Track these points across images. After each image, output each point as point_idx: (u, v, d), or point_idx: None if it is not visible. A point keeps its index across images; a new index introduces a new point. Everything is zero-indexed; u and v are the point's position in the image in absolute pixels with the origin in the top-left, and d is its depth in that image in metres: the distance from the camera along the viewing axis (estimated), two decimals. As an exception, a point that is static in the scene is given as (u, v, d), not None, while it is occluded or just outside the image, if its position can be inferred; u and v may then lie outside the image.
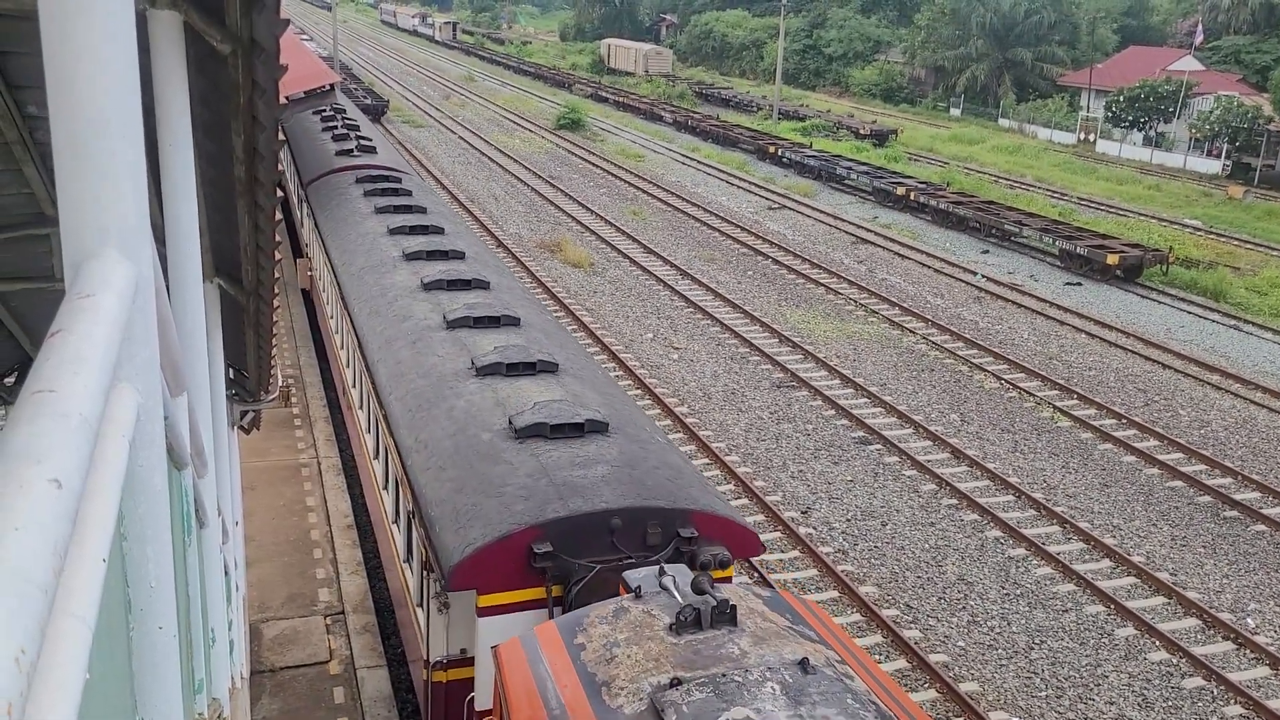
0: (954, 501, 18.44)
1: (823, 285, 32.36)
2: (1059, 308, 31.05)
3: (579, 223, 39.69)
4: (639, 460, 9.65)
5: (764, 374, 24.52)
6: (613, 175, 50.71)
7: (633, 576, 7.60)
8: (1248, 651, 14.47)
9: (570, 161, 54.26)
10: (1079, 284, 34.20)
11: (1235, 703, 13.34)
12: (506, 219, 39.86)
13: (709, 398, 22.92)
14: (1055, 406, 22.98)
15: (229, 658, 6.96)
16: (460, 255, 16.99)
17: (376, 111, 60.00)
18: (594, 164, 53.66)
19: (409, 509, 10.40)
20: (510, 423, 10.08)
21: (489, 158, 53.54)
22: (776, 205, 45.25)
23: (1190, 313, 31.46)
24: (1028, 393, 23.82)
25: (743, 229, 39.81)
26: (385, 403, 12.14)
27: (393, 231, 18.23)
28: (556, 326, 14.88)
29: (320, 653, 13.12)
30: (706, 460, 19.46)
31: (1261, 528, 17.99)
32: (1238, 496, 18.93)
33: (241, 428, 12.76)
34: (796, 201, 45.93)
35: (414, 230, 18.35)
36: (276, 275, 7.09)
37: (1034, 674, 13.86)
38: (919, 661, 13.70)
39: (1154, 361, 26.59)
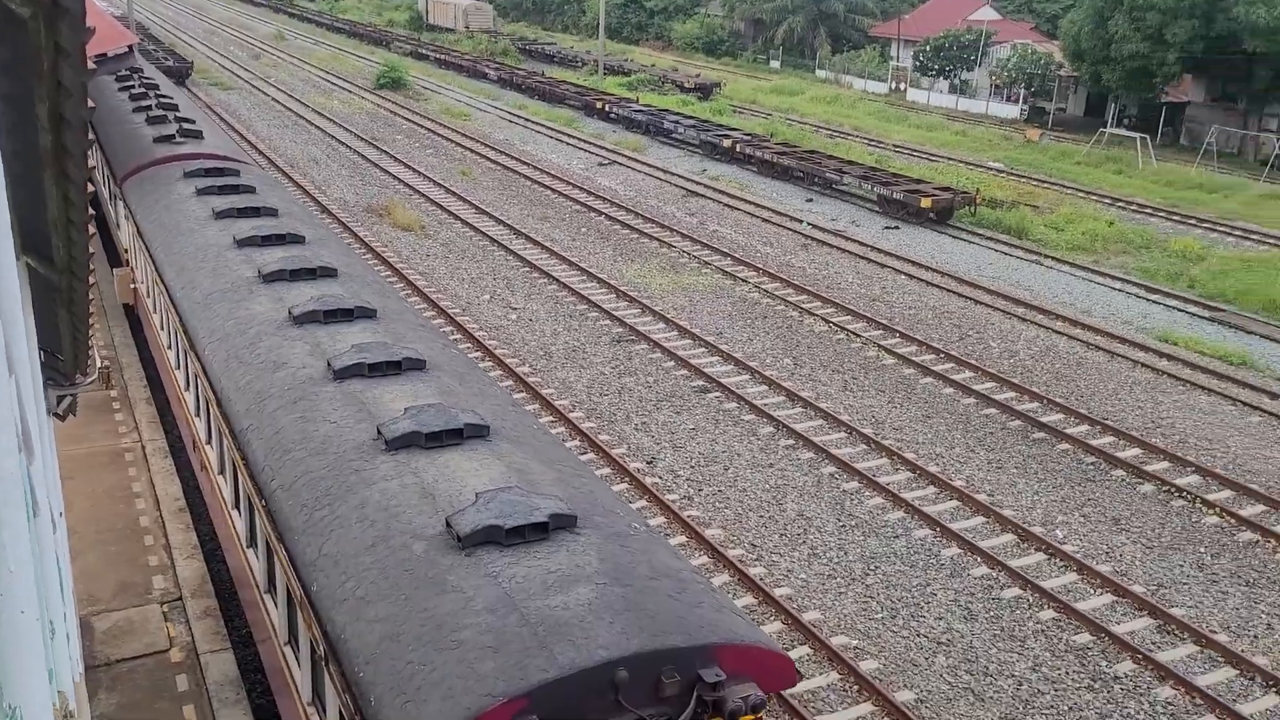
0: (791, 442, 19.20)
1: (656, 239, 32.78)
2: (879, 251, 32.48)
3: (407, 185, 38.80)
4: (628, 570, 7.52)
5: (603, 330, 24.75)
6: (439, 135, 49.65)
7: None
8: (1058, 560, 15.75)
9: (393, 122, 52.77)
10: (897, 227, 35.82)
11: (1049, 608, 14.53)
12: (330, 183, 38.55)
13: (550, 356, 23.00)
14: (880, 345, 24.14)
15: (67, 651, 6.68)
16: (332, 273, 14.00)
17: (180, 74, 56.66)
18: (418, 124, 52.37)
19: (314, 647, 8.13)
20: (449, 525, 7.74)
21: (306, 120, 51.48)
22: (607, 161, 45.36)
23: (997, 250, 33.47)
24: (854, 334, 24.91)
25: (575, 186, 39.79)
26: (266, 491, 9.48)
27: (241, 243, 15.20)
28: (469, 365, 12.20)
29: (159, 641, 12.65)
30: (551, 418, 19.59)
31: (1066, 446, 19.50)
32: (1044, 419, 20.44)
33: (56, 414, 12.04)
34: (626, 157, 46.17)
35: (268, 240, 15.33)
36: (90, 250, 6.74)
37: (870, 598, 14.70)
38: (765, 596, 14.31)
39: (967, 298, 28.22)
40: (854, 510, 16.98)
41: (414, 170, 41.33)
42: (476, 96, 62.69)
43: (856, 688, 12.74)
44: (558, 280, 27.99)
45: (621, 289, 27.31)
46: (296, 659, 9.04)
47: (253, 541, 10.42)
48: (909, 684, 12.93)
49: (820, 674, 12.95)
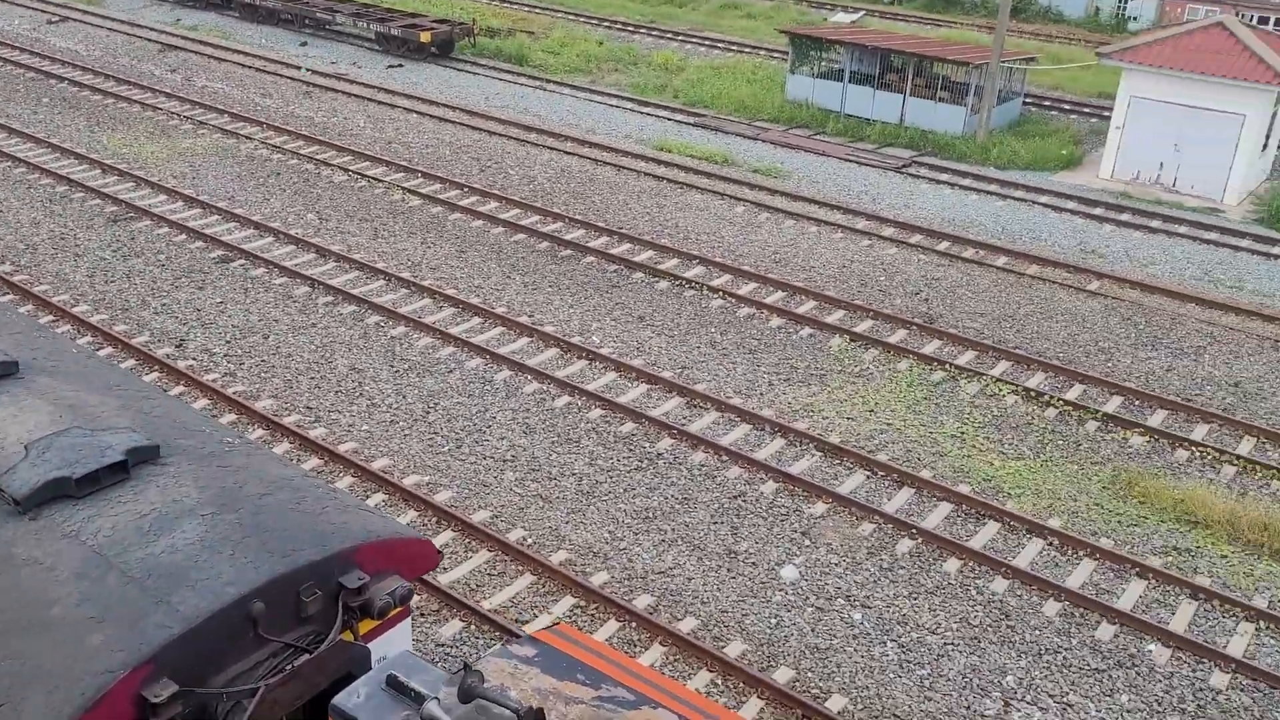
0: (330, 298, 18.72)
1: (138, 103, 29.36)
2: (387, 91, 31.72)
3: None
4: (235, 492, 6.80)
5: (94, 210, 22.05)
6: None
7: (348, 705, 5.49)
8: (598, 363, 17.14)
9: None
10: (400, 65, 35.06)
11: (596, 407, 15.87)
12: None
13: (34, 250, 20.14)
14: (404, 188, 23.93)
15: None
16: None
17: None
18: None
19: None
20: (3, 491, 6.58)
21: None
22: (57, 18, 39.31)
23: (503, 80, 34.07)
24: (376, 179, 24.43)
25: (24, 50, 34.18)
26: None
27: None
28: None
29: None
30: (52, 317, 17.36)
31: (591, 259, 20.93)
32: (568, 237, 21.69)
33: None
34: (80, 11, 40.31)
35: None
36: None
37: (435, 434, 15.11)
38: (330, 455, 14.17)
39: (480, 130, 28.63)
40: (405, 354, 17.11)
41: None
42: None
43: (436, 519, 13.20)
44: (25, 161, 24.26)
45: (107, 163, 24.34)
46: None
47: None
48: (483, 504, 13.64)
49: (400, 515, 13.23)
